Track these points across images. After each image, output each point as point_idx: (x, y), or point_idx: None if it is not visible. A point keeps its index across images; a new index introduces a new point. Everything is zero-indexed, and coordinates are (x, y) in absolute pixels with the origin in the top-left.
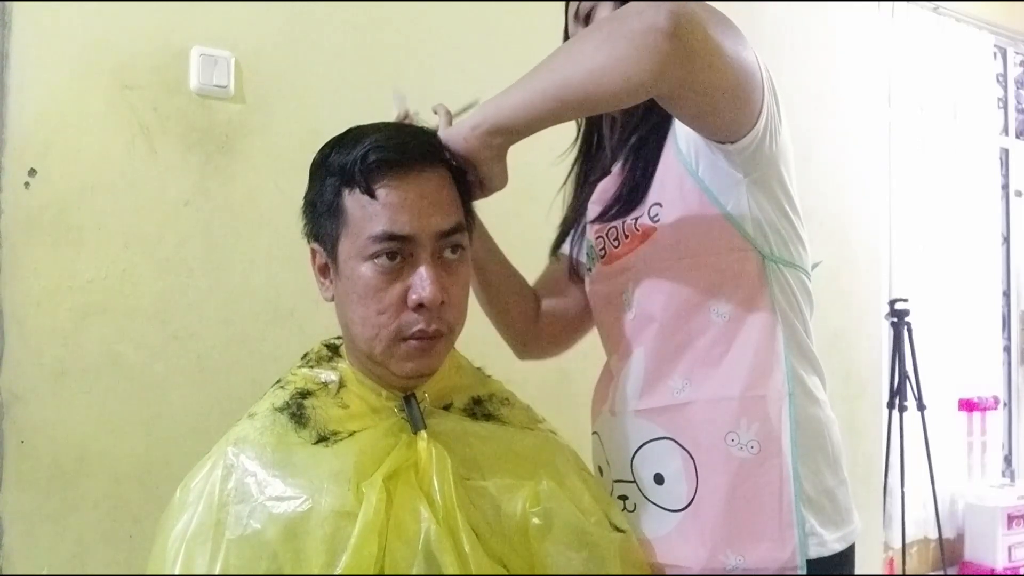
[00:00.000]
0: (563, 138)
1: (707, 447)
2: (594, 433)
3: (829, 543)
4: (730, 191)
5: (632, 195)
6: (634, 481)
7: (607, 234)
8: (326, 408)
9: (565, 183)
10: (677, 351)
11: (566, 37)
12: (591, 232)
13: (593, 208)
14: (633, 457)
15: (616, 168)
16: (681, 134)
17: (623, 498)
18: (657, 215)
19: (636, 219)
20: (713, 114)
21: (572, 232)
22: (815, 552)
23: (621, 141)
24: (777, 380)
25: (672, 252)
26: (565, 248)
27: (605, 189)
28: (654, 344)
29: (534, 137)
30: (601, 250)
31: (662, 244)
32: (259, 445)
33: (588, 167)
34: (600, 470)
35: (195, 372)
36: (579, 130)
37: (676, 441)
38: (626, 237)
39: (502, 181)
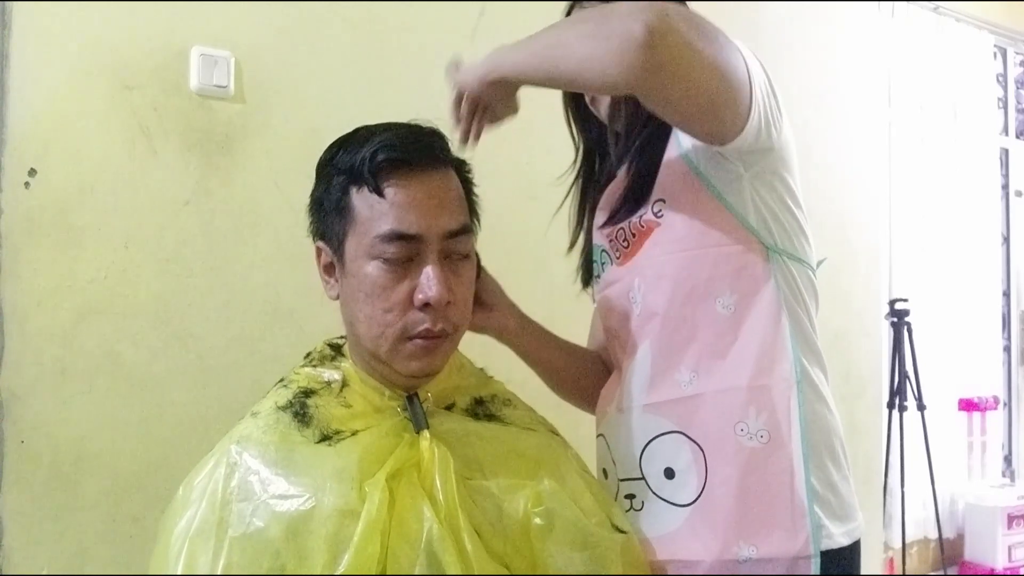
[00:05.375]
0: (560, 140)
1: (716, 438)
2: (599, 436)
3: (836, 536)
4: (732, 185)
5: (637, 195)
6: (643, 478)
7: (616, 236)
8: (329, 407)
9: (562, 204)
10: (683, 344)
11: None
12: (601, 238)
13: (600, 214)
14: (642, 453)
15: (621, 172)
16: (680, 137)
17: (630, 497)
18: (660, 211)
19: (641, 217)
20: (694, 121)
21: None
22: (824, 545)
23: (625, 147)
24: (784, 369)
25: (676, 245)
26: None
27: (611, 193)
28: (659, 338)
29: (532, 138)
30: (616, 252)
31: (666, 238)
32: (262, 443)
33: (589, 188)
34: (604, 472)
35: (195, 372)
36: (578, 151)
37: (685, 434)
38: (633, 236)
39: (513, 111)
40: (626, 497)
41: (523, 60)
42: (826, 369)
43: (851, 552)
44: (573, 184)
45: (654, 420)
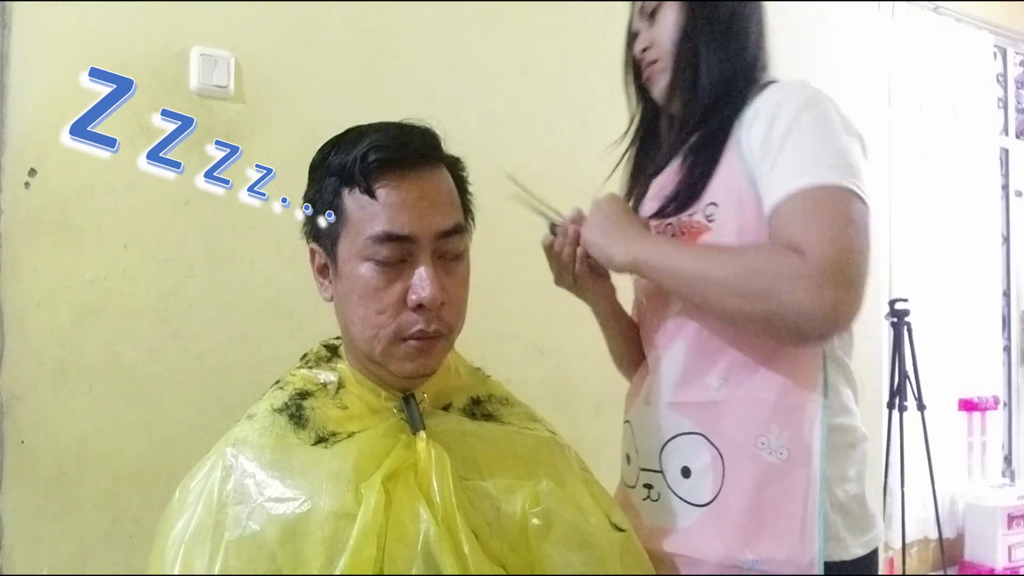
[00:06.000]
0: (560, 139)
1: (736, 447)
2: (626, 422)
3: (851, 548)
4: None
5: (689, 193)
6: (661, 472)
7: (664, 230)
8: (325, 409)
9: (612, 174)
10: (717, 351)
11: (629, 30)
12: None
13: (650, 204)
14: (662, 448)
15: (675, 165)
16: (745, 137)
17: (648, 487)
18: (712, 215)
19: (691, 215)
20: None
21: None
22: (837, 556)
23: (679, 140)
24: (814, 390)
25: None
26: None
27: (663, 184)
28: (695, 341)
29: (531, 136)
30: None
31: (714, 243)
32: (258, 446)
33: (643, 160)
34: (628, 458)
35: (195, 372)
36: (632, 121)
37: (707, 437)
38: (682, 233)
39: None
40: (644, 486)
41: (665, 273)
42: (855, 385)
43: (868, 561)
44: (627, 151)
45: (678, 419)
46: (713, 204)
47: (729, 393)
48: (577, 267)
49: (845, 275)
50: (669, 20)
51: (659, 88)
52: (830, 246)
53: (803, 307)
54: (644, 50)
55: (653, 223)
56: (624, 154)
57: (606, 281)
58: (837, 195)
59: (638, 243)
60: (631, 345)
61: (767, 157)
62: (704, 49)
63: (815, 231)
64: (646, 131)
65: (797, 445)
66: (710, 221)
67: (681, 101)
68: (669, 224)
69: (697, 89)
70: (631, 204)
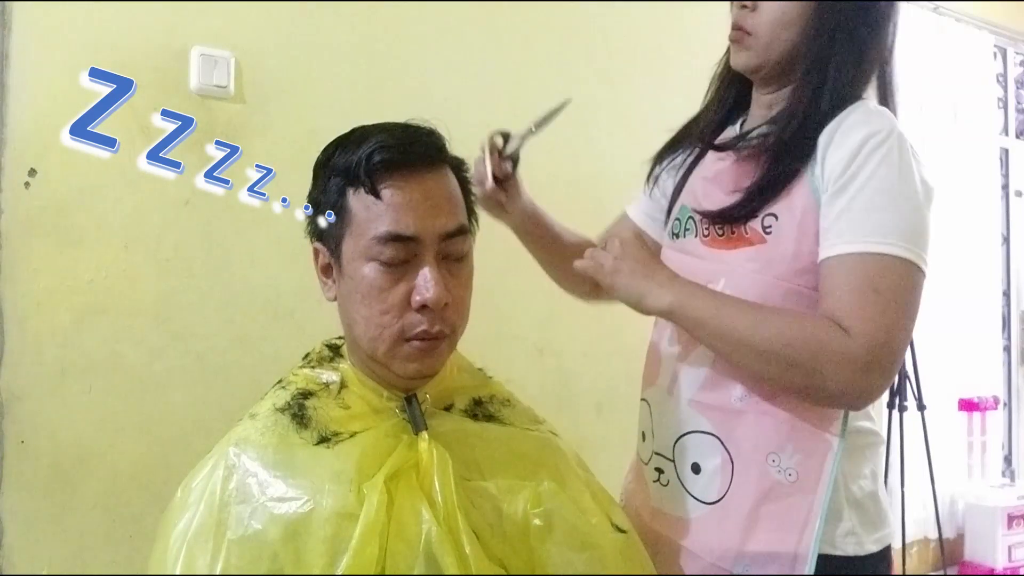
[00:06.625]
0: (559, 139)
1: (747, 458)
2: (643, 400)
3: (866, 544)
4: None
5: (751, 207)
6: (673, 461)
7: (711, 230)
8: (327, 409)
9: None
10: None
11: None
12: (693, 205)
13: (706, 195)
14: (677, 441)
15: (741, 155)
16: (819, 159)
17: (659, 471)
18: (770, 227)
19: (747, 222)
20: None
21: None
22: (852, 551)
23: (755, 139)
24: (834, 424)
25: (773, 272)
26: (638, 217)
27: (719, 174)
28: None
29: (531, 139)
30: (705, 230)
31: (765, 259)
32: (260, 446)
33: (709, 116)
34: (643, 435)
35: (195, 372)
36: (721, 77)
37: (721, 441)
38: (732, 232)
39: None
40: (656, 469)
41: (701, 326)
42: None
43: (881, 557)
44: (706, 99)
45: (697, 417)
46: (772, 216)
47: (750, 405)
48: (488, 184)
49: (887, 361)
50: (788, 6)
51: (738, 60)
52: (879, 331)
53: (841, 389)
54: (743, 7)
55: (703, 219)
56: (707, 101)
57: (513, 201)
58: (898, 269)
59: (673, 290)
60: (556, 255)
61: (836, 199)
62: (839, 53)
63: (866, 311)
64: (725, 88)
65: (807, 470)
66: (767, 233)
67: (788, 102)
68: (719, 226)
69: (820, 97)
70: (673, 159)
